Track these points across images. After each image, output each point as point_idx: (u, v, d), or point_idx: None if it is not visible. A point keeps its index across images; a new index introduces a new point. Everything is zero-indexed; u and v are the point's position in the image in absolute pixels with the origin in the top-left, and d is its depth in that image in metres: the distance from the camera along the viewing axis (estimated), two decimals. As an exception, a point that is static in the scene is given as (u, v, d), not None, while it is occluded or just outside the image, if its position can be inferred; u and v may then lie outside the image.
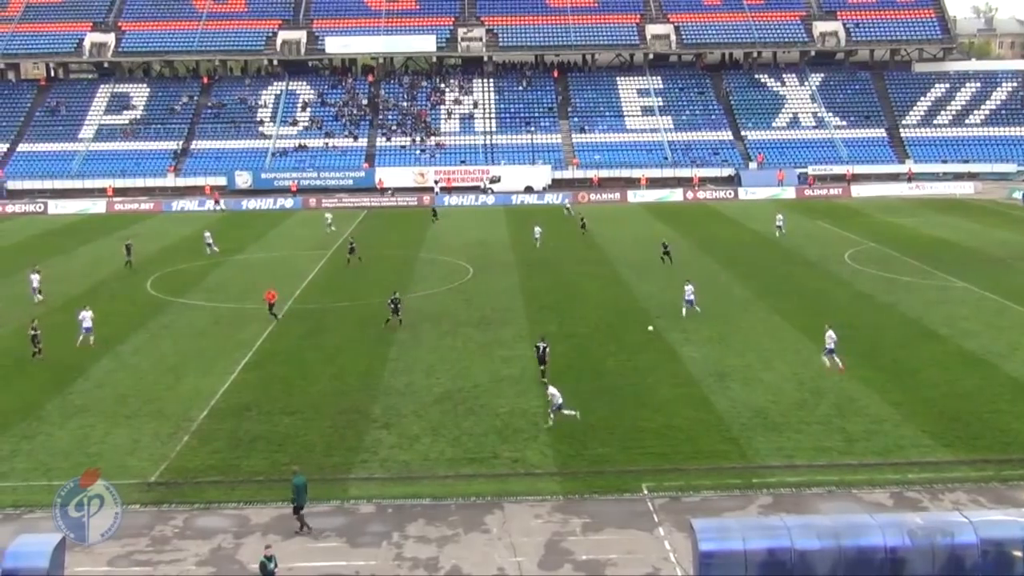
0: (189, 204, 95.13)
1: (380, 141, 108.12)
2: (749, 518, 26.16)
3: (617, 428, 33.05)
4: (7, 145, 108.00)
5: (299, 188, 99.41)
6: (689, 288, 47.64)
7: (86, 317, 44.64)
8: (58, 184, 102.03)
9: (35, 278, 54.61)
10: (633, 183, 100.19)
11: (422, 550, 25.39)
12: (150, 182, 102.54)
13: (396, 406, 35.72)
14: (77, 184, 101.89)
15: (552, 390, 33.78)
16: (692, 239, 69.75)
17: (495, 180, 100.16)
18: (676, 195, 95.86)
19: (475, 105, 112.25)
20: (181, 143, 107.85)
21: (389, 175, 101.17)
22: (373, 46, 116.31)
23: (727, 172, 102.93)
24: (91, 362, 41.77)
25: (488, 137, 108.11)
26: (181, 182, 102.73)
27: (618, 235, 73.09)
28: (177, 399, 36.57)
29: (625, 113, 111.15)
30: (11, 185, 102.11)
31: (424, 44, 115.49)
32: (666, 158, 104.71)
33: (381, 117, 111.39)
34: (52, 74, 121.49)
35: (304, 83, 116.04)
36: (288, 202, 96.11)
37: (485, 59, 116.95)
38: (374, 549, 25.50)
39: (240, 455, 31.50)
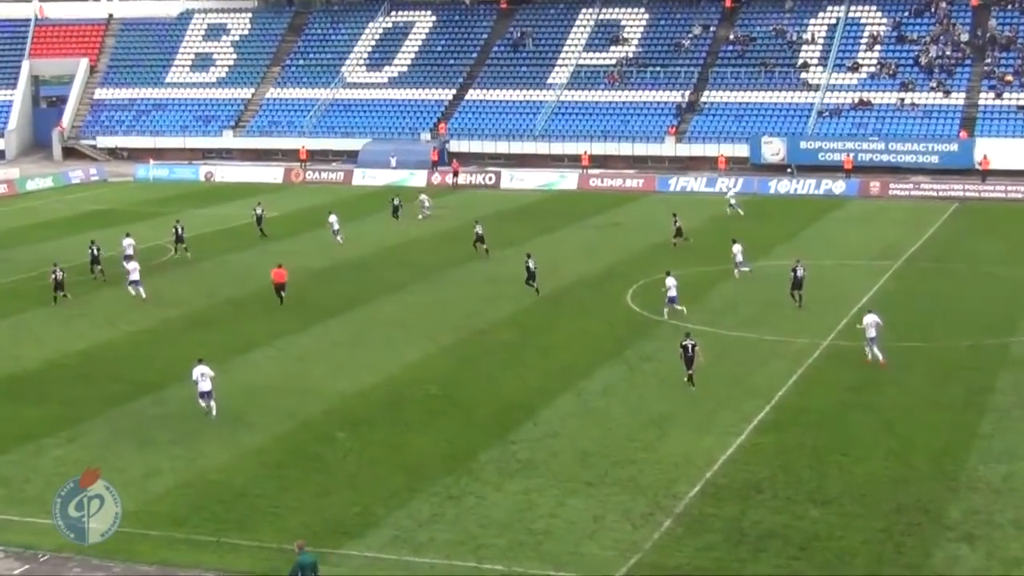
0: (693, 183, 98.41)
1: (986, 98, 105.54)
2: None
3: None
4: (454, 91, 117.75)
5: (854, 165, 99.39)
6: None
7: (334, 221, 70.13)
8: (515, 148, 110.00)
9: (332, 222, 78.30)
10: None
11: None
12: (640, 149, 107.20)
13: (986, 508, 34.65)
14: (543, 148, 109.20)
15: None
16: None
17: None
18: None
19: None
20: (688, 93, 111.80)
21: (995, 148, 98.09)
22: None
23: None
24: (544, 402, 44.25)
25: None
26: (683, 150, 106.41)
27: None
28: (658, 465, 37.69)
29: None
30: (454, 147, 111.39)
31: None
32: None
33: (989, 62, 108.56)
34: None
35: (873, 7, 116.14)
36: (838, 185, 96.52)
37: None
38: None
39: (744, 556, 31.92)
